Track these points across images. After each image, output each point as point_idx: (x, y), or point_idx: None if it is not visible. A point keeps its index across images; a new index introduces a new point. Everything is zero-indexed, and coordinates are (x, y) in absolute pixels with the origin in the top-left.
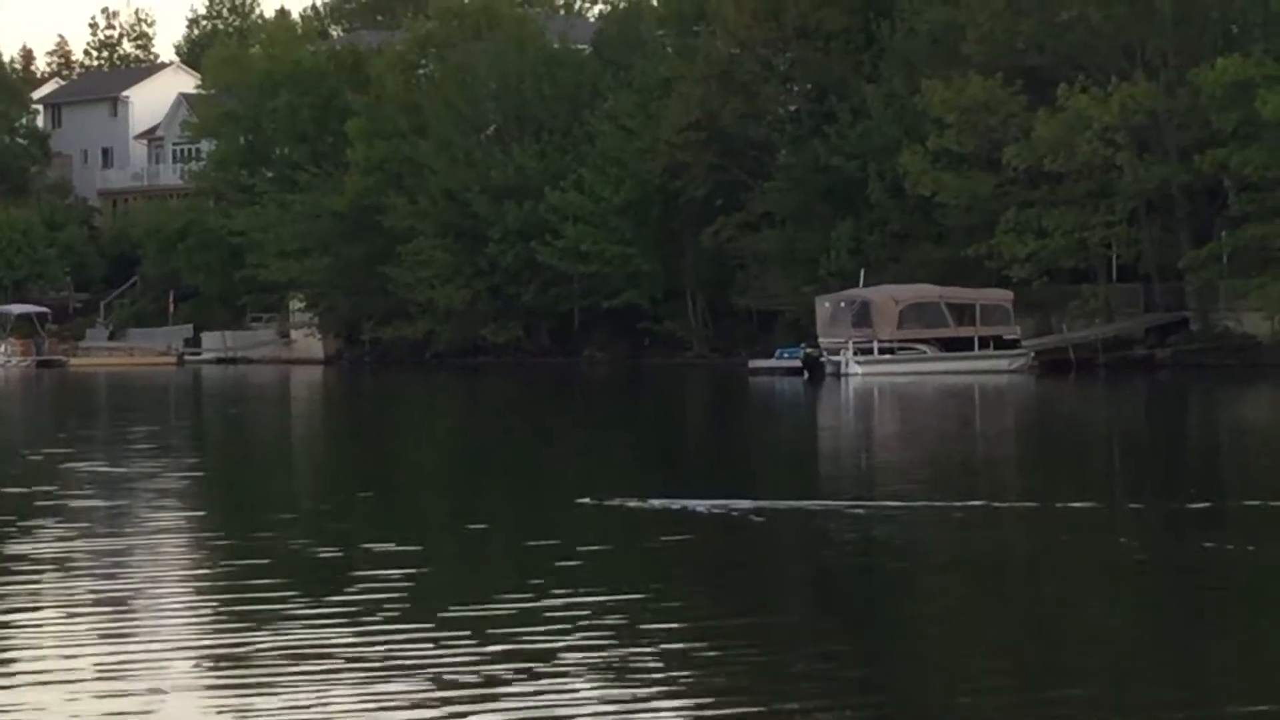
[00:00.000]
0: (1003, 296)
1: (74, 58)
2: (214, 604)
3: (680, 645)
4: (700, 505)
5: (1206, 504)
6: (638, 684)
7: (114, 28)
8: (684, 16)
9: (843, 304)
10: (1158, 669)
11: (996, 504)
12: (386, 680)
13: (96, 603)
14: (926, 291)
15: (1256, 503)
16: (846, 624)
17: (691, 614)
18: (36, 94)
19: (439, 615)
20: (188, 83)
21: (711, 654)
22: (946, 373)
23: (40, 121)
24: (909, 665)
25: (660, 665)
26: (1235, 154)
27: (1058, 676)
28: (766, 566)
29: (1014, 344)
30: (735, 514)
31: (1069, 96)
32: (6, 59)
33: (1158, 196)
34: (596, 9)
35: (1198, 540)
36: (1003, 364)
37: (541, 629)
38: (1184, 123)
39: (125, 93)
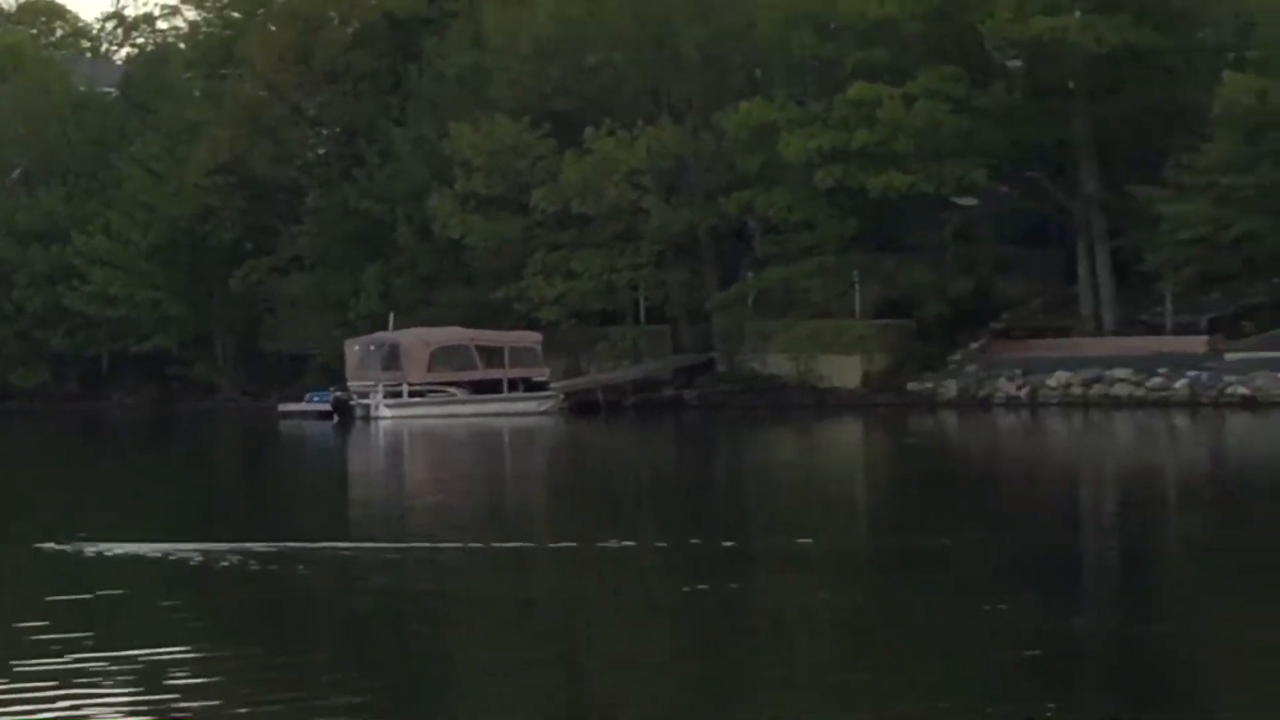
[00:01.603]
0: (532, 339)
1: None
2: None
3: (216, 695)
4: (220, 548)
5: (732, 542)
6: None
7: None
8: (211, 60)
9: (372, 347)
10: (695, 704)
11: (532, 544)
12: None
13: None
14: (456, 334)
15: (781, 541)
16: (378, 667)
17: (222, 660)
18: None
19: None
20: None
21: (246, 702)
22: (477, 415)
23: None
24: (445, 712)
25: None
26: (760, 196)
27: (594, 714)
28: (296, 610)
29: (543, 386)
30: (242, 557)
31: (596, 140)
32: None
33: (684, 239)
34: (123, 52)
35: (727, 578)
36: (532, 406)
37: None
38: (710, 166)
39: None
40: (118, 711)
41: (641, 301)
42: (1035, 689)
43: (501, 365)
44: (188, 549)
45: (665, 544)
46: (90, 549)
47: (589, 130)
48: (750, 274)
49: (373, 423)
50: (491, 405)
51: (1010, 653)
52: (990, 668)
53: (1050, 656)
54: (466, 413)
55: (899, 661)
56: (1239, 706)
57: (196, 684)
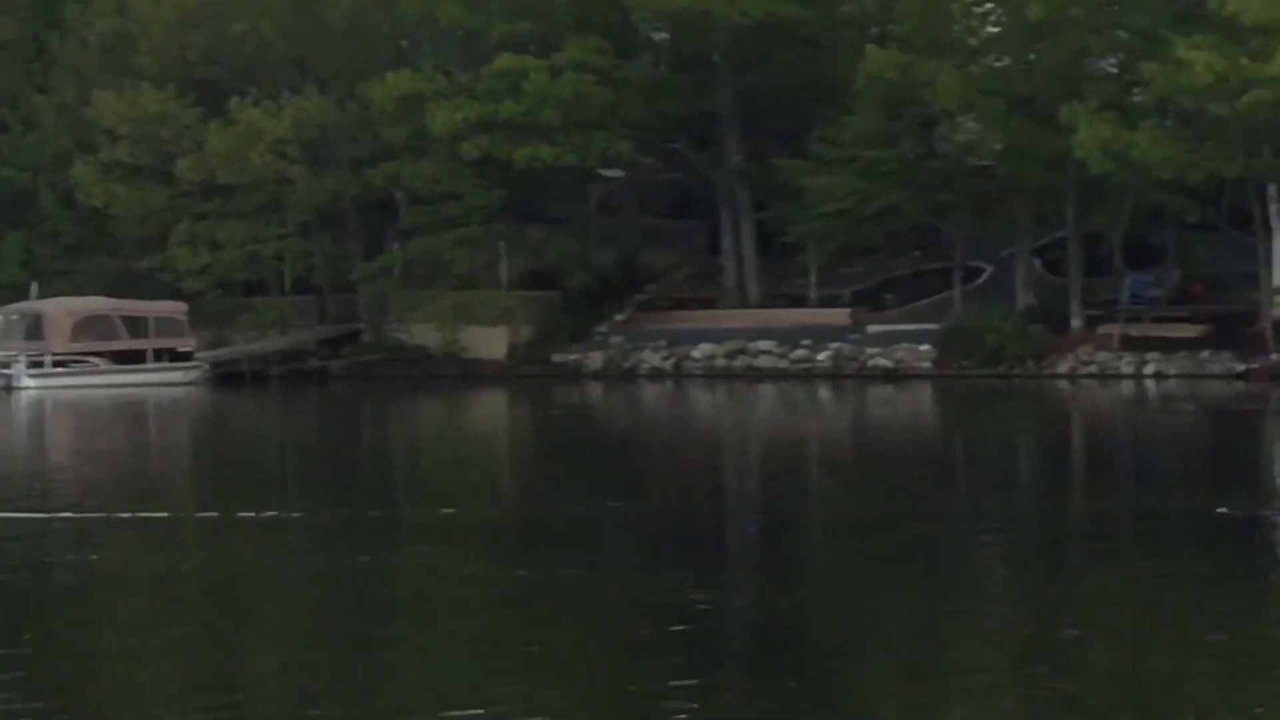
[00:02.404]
0: (177, 309)
1: None
2: None
3: None
4: None
5: (378, 512)
6: None
7: None
8: None
9: (15, 317)
10: (338, 678)
11: (176, 515)
12: None
13: None
14: (100, 304)
15: (425, 511)
16: (15, 642)
17: None
18: None
19: None
20: None
21: None
22: (121, 385)
23: None
24: (92, 693)
25: None
26: (406, 167)
27: (233, 686)
28: None
29: (188, 356)
30: None
31: (241, 109)
32: None
33: (330, 209)
34: None
35: (371, 548)
36: (177, 376)
37: None
38: (355, 136)
39: None
40: None
41: (287, 272)
42: (676, 663)
43: (146, 335)
44: None
45: (310, 514)
46: None
47: (234, 100)
48: (396, 245)
49: (15, 393)
50: (136, 375)
51: (650, 626)
52: (630, 641)
53: (691, 629)
54: (111, 383)
55: (535, 634)
56: (879, 677)
57: None
